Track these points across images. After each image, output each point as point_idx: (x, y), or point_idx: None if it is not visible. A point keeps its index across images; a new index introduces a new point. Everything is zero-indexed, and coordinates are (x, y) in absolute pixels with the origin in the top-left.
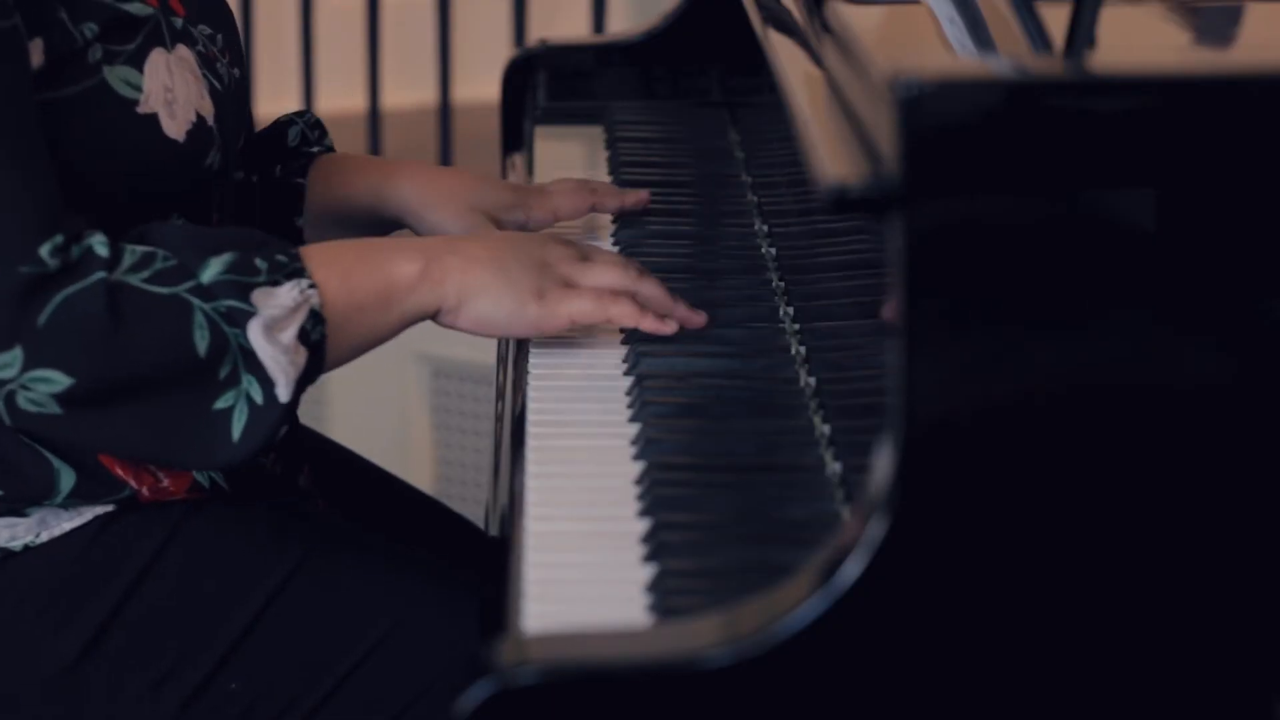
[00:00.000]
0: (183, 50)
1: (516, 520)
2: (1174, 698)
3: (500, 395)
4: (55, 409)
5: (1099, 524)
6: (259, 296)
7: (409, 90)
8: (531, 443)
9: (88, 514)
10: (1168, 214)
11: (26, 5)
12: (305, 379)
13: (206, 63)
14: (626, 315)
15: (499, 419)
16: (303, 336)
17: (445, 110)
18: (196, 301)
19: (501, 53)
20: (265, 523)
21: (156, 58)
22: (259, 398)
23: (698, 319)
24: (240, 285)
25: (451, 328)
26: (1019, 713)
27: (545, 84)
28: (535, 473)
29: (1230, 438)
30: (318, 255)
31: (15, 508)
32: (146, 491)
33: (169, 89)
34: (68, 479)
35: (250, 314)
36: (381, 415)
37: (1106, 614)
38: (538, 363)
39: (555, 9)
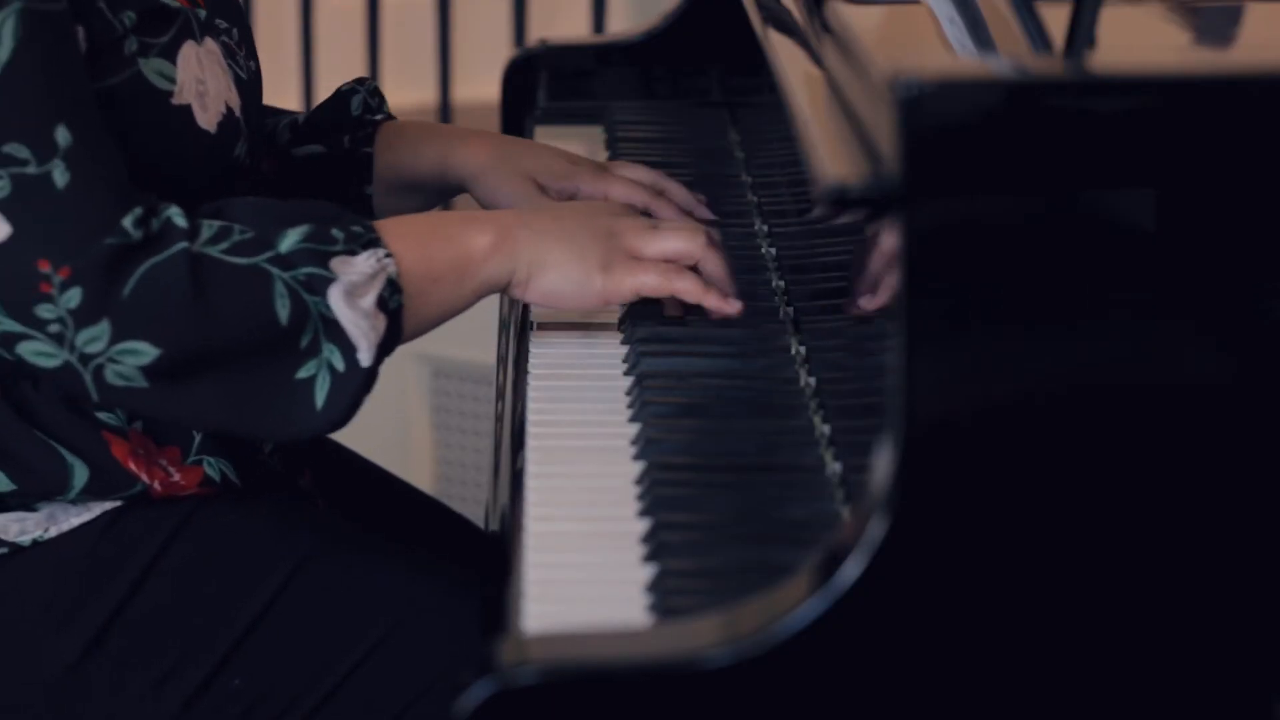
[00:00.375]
0: (210, 43)
1: (516, 520)
2: (1174, 698)
3: (500, 395)
4: (142, 382)
5: (1099, 524)
6: (338, 264)
7: (409, 90)
8: (531, 443)
9: (96, 509)
10: (1168, 214)
11: None
12: (385, 346)
13: (229, 53)
14: (691, 290)
15: (499, 419)
16: (381, 304)
17: (445, 110)
18: (276, 271)
19: (501, 53)
20: (268, 522)
21: (188, 50)
22: (340, 365)
23: (736, 307)
24: (319, 253)
25: (521, 300)
26: (1019, 713)
27: (545, 84)
28: (535, 473)
29: (1230, 438)
30: (393, 227)
31: (26, 501)
32: (159, 486)
33: (200, 81)
34: (81, 474)
35: (330, 280)
36: (381, 415)
37: (1106, 614)
38: (538, 363)
39: (555, 9)
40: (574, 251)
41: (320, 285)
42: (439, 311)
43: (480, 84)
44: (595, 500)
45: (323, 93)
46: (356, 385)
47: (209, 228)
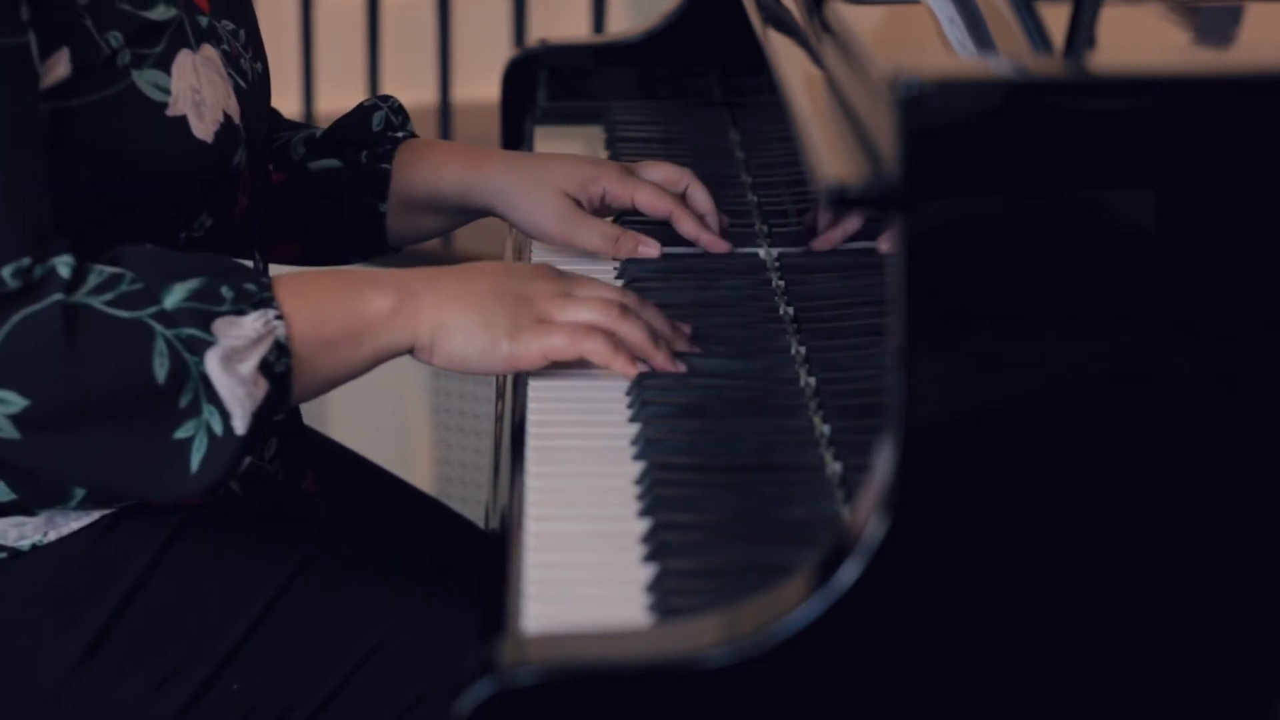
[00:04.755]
0: (208, 50)
1: (516, 520)
2: (1174, 698)
3: (500, 395)
4: (12, 432)
5: (1099, 524)
6: (221, 325)
7: (409, 90)
8: (531, 443)
9: (95, 514)
10: (1168, 214)
11: (50, 16)
12: (267, 411)
13: (231, 60)
14: (598, 353)
15: (499, 419)
16: (265, 368)
17: (445, 110)
18: (158, 327)
19: (501, 53)
20: (268, 526)
21: (183, 59)
22: (218, 429)
23: (676, 368)
24: (202, 313)
25: (428, 364)
26: (1018, 713)
27: (545, 84)
28: (535, 473)
29: (1230, 438)
30: (289, 286)
31: (25, 508)
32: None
33: (196, 90)
34: (80, 488)
35: (209, 343)
36: (381, 415)
37: (1106, 614)
38: None
39: (555, 9)
40: (480, 316)
41: (200, 347)
42: (334, 374)
43: (480, 84)
44: (595, 500)
45: (323, 93)
46: (231, 451)
47: (97, 275)
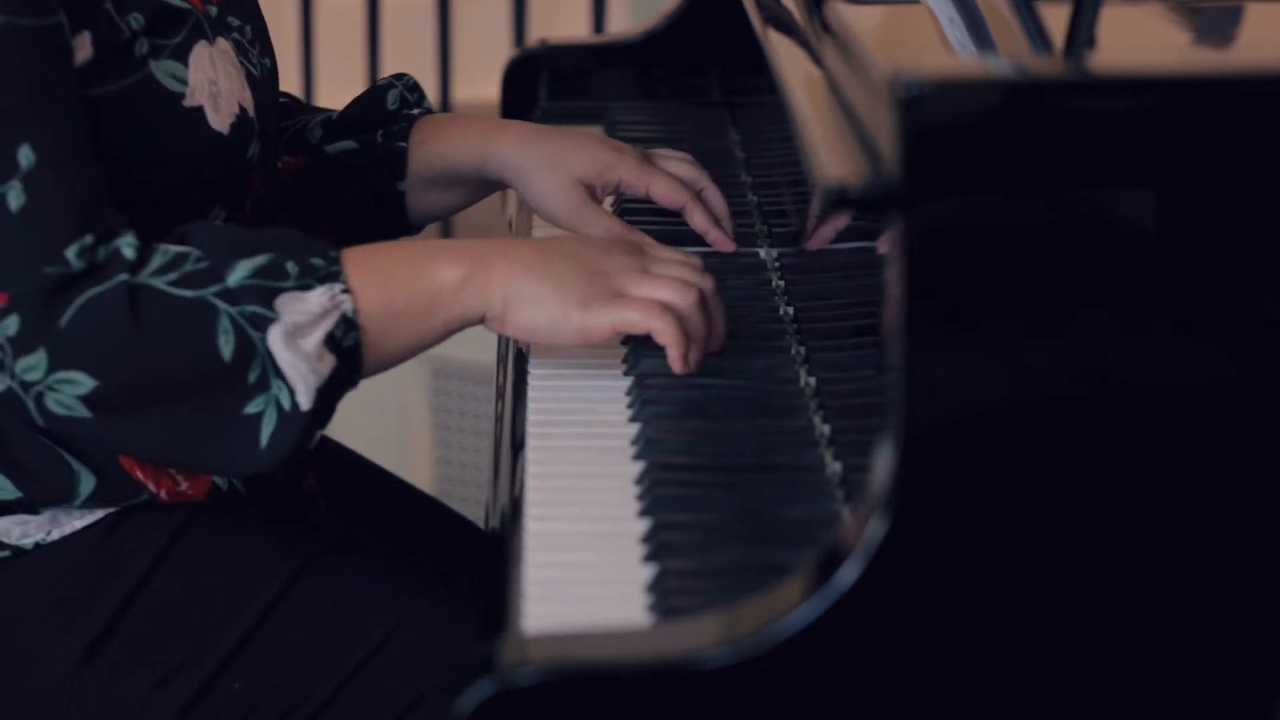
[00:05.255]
0: (222, 43)
1: (516, 520)
2: (1174, 698)
3: (500, 395)
4: (83, 411)
5: (1099, 524)
6: (284, 302)
7: None
8: (531, 443)
9: (98, 513)
10: (1168, 214)
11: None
12: (335, 386)
13: (242, 52)
14: (667, 334)
15: (499, 419)
16: (332, 343)
17: (445, 110)
18: (222, 305)
19: (501, 53)
20: (270, 525)
21: (200, 51)
22: (286, 404)
23: (694, 370)
24: (266, 290)
25: (499, 333)
26: (1018, 713)
27: (545, 84)
28: (535, 473)
29: (1230, 438)
30: (357, 259)
31: (29, 506)
32: (165, 495)
33: (213, 82)
34: (87, 483)
35: (271, 320)
36: (381, 415)
37: (1106, 614)
38: (538, 363)
39: (555, 9)
40: (553, 286)
41: (262, 323)
42: (406, 346)
43: (480, 84)
44: (595, 500)
45: (323, 92)
46: (299, 426)
47: (162, 255)
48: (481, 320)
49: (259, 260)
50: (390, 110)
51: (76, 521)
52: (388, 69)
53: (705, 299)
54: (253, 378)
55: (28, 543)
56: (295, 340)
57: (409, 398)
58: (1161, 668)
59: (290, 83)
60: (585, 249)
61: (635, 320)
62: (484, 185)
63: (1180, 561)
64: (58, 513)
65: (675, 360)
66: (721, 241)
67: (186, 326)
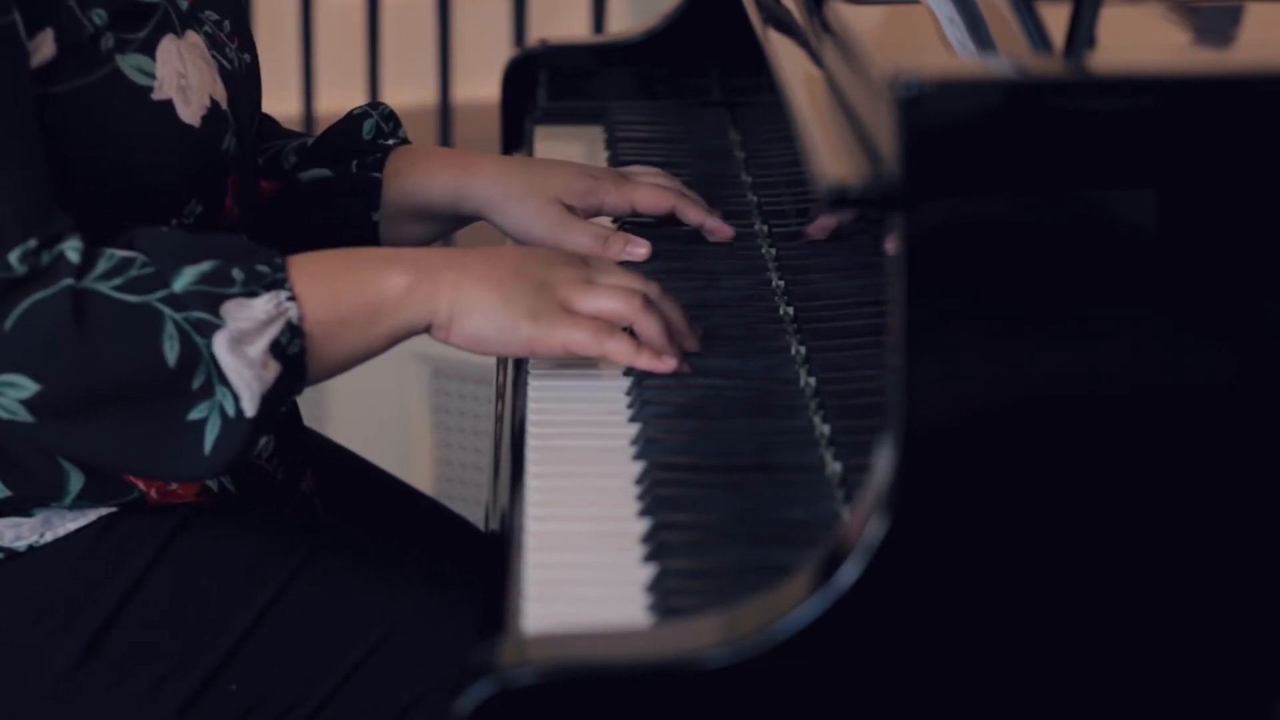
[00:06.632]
0: (192, 36)
1: (516, 520)
2: (1174, 698)
3: (500, 395)
4: (26, 416)
5: (1099, 524)
6: (230, 308)
7: (409, 90)
8: (531, 442)
9: (91, 515)
10: (1168, 214)
11: None
12: (279, 393)
13: (215, 45)
14: (621, 352)
15: (499, 419)
16: (277, 350)
17: (445, 110)
18: (167, 311)
19: (501, 53)
20: (266, 526)
21: (168, 44)
22: (230, 410)
23: (681, 369)
24: (211, 296)
25: (445, 343)
26: (1018, 713)
27: (545, 84)
28: (535, 473)
29: (1230, 438)
30: (303, 266)
31: (21, 507)
32: (155, 494)
33: (182, 75)
34: (76, 481)
35: (217, 326)
36: (381, 415)
37: (1106, 614)
38: (538, 363)
39: (555, 9)
40: (500, 297)
41: (207, 329)
42: (350, 354)
43: (480, 84)
44: (595, 500)
45: (323, 93)
46: (243, 433)
47: (107, 260)
48: (428, 329)
49: (205, 266)
50: (366, 140)
51: (70, 524)
52: (388, 69)
53: (650, 302)
54: (197, 384)
55: (21, 545)
56: (240, 347)
57: (409, 398)
58: (1161, 668)
59: (290, 83)
60: (530, 261)
61: (586, 342)
62: (458, 220)
63: (1180, 561)
64: (51, 515)
65: (649, 367)
66: (720, 229)
67: (131, 332)
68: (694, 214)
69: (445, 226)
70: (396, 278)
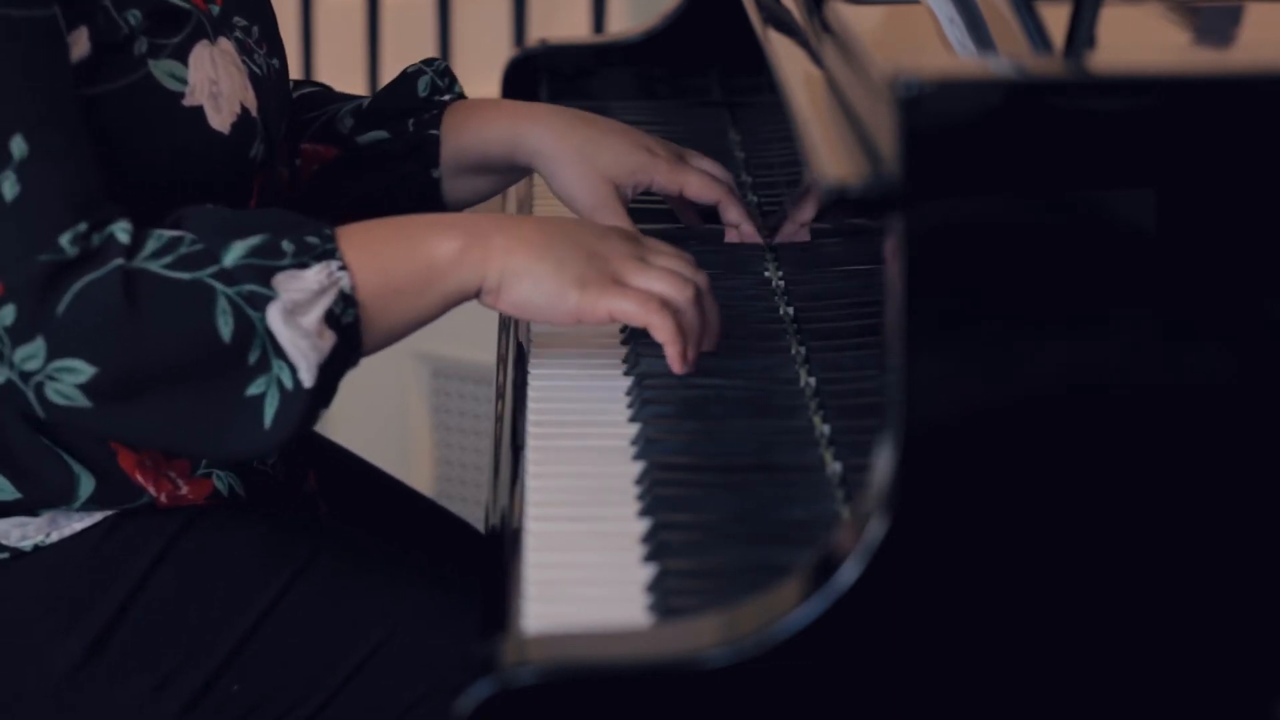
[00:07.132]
0: (224, 42)
1: (516, 520)
2: (1174, 698)
3: (500, 395)
4: (84, 401)
5: (1099, 524)
6: (281, 280)
7: None
8: (531, 443)
9: (97, 515)
10: (1168, 214)
11: None
12: (337, 362)
13: (246, 51)
14: (663, 330)
15: (499, 419)
16: (331, 320)
17: None
18: (219, 286)
19: (501, 53)
20: (269, 527)
21: (201, 51)
22: (289, 383)
23: (691, 370)
24: (263, 269)
25: (493, 308)
26: (1018, 713)
27: (545, 84)
28: (535, 473)
29: (1230, 438)
30: (352, 236)
31: (29, 509)
32: (164, 499)
33: (214, 81)
34: (87, 484)
35: (269, 298)
36: (381, 415)
37: (1106, 614)
38: (538, 363)
39: (555, 9)
40: (552, 264)
41: (261, 302)
42: (404, 321)
43: (480, 84)
44: (595, 500)
45: None
46: (302, 405)
47: (156, 240)
48: (477, 294)
49: (254, 240)
50: (421, 97)
51: (75, 524)
52: (388, 69)
53: (700, 295)
54: (253, 359)
55: (27, 545)
56: (294, 318)
57: (409, 398)
58: (1161, 668)
59: None
60: (583, 231)
61: (633, 311)
62: (515, 171)
63: (1180, 561)
64: (57, 515)
65: (673, 358)
66: (753, 235)
67: (184, 309)
68: (734, 212)
69: (505, 180)
70: (448, 242)
